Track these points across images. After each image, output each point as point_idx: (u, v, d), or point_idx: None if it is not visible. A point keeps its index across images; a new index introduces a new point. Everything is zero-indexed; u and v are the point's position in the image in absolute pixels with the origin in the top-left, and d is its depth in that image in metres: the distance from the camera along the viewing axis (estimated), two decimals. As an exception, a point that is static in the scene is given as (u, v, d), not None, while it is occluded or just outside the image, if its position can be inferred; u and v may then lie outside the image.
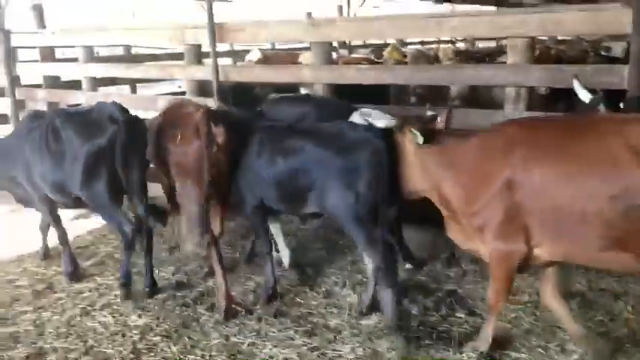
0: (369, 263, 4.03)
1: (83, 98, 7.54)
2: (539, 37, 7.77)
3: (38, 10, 8.30)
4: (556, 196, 3.00)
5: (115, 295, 4.54)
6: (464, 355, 3.52)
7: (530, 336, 3.77)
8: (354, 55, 10.79)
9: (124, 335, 3.97)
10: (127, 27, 7.92)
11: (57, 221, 4.94)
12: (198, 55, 6.66)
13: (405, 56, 8.69)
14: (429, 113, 3.69)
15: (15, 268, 5.20)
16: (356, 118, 4.22)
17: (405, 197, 3.78)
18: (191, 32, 6.44)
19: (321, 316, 4.12)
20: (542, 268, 3.50)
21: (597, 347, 3.49)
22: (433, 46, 11.78)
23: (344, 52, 11.42)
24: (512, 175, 3.12)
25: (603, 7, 4.27)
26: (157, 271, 4.88)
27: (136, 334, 3.98)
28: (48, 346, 3.89)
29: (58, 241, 4.98)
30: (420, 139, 3.42)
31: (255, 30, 6.16)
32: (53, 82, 8.23)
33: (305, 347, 3.73)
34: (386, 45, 10.50)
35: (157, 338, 3.91)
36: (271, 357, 3.65)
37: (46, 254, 5.35)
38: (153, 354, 3.74)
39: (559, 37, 10.34)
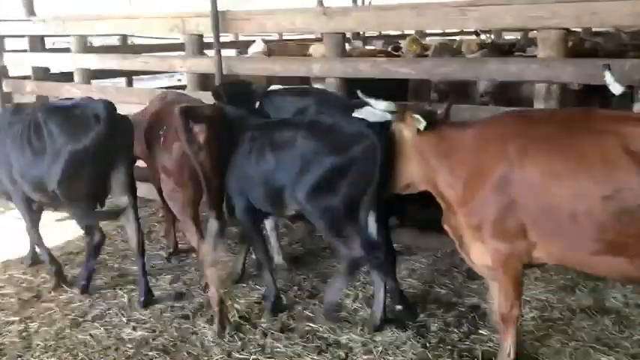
0: (374, 275, 4.07)
1: (75, 92, 7.59)
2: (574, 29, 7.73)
3: (27, -4, 8.38)
4: (548, 194, 3.07)
5: (108, 306, 4.57)
6: (487, 376, 3.52)
7: (560, 357, 3.74)
8: (368, 47, 10.82)
9: (117, 349, 3.99)
10: (124, 15, 7.97)
11: (34, 223, 5.00)
12: (200, 46, 6.69)
13: (426, 49, 8.70)
14: (428, 108, 3.76)
15: None
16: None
17: (400, 191, 3.82)
18: (193, 21, 6.46)
19: (331, 331, 4.11)
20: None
21: None
22: (456, 38, 11.76)
23: (358, 43, 11.45)
24: (507, 170, 3.17)
25: (644, -3, 4.25)
26: (154, 279, 4.91)
27: (130, 348, 3.99)
28: (35, 359, 3.91)
29: (30, 245, 5.17)
30: (422, 124, 3.48)
31: (262, 19, 6.18)
32: (43, 74, 8.30)
33: (314, 365, 3.73)
34: (404, 36, 10.51)
35: (153, 353, 3.92)
36: (277, 375, 3.67)
37: (34, 260, 5.37)
38: (148, 370, 3.76)
39: (594, 29, 10.27)
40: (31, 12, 8.30)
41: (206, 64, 6.48)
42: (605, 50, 7.48)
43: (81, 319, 4.39)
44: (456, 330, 4.06)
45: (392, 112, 3.65)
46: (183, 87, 7.87)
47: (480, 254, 3.41)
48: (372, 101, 3.67)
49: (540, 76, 4.74)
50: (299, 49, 9.05)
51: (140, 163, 5.26)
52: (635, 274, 3.06)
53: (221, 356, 3.86)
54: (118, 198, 4.55)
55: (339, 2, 11.84)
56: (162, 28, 7.07)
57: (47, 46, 8.95)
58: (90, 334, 4.17)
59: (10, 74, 8.46)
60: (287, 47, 9.63)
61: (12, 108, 5.10)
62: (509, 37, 12.84)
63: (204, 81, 6.69)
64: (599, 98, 5.50)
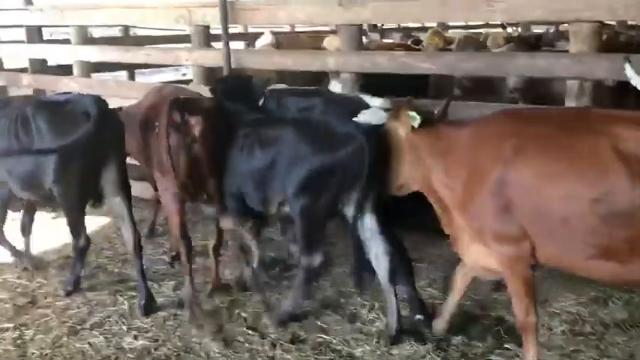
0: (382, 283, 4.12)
1: (74, 85, 7.65)
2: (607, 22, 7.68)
3: (25, -15, 8.47)
4: (542, 195, 3.16)
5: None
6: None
7: (592, 373, 3.74)
8: (386, 41, 10.80)
9: (117, 359, 4.01)
10: (126, 4, 8.03)
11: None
12: (207, 38, 6.72)
13: (449, 42, 8.68)
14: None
15: (-7, 279, 5.29)
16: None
17: (395, 192, 3.94)
18: (199, 12, 6.50)
19: (345, 343, 4.12)
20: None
21: None
22: (481, 31, 11.73)
23: (375, 36, 11.44)
24: (503, 171, 3.25)
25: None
26: (157, 285, 4.94)
27: (131, 358, 4.02)
28: (31, 369, 3.95)
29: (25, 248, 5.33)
30: (417, 121, 3.59)
31: (273, 10, 6.19)
32: (40, 67, 8.37)
33: (326, 379, 3.75)
34: (424, 29, 10.50)
35: (155, 364, 3.95)
36: (287, 389, 3.69)
37: (31, 263, 5.42)
38: (150, 382, 3.80)
39: (630, 22, 10.21)
40: (28, 1, 8.39)
41: (213, 56, 6.51)
42: (642, 44, 7.44)
43: (79, 327, 4.42)
44: (479, 344, 4.05)
45: (386, 110, 3.74)
46: (189, 81, 7.91)
47: (481, 256, 3.53)
48: (367, 98, 3.76)
49: (572, 72, 4.71)
50: (311, 41, 9.06)
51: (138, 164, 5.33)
52: (629, 277, 3.16)
53: (227, 368, 3.88)
54: (110, 199, 4.63)
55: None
56: (167, 18, 7.12)
57: (45, 38, 9.02)
58: (89, 343, 4.20)
59: (6, 66, 8.53)
60: (298, 40, 9.64)
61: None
62: (537, 30, 12.76)
63: (210, 75, 6.71)
64: (634, 95, 5.46)
